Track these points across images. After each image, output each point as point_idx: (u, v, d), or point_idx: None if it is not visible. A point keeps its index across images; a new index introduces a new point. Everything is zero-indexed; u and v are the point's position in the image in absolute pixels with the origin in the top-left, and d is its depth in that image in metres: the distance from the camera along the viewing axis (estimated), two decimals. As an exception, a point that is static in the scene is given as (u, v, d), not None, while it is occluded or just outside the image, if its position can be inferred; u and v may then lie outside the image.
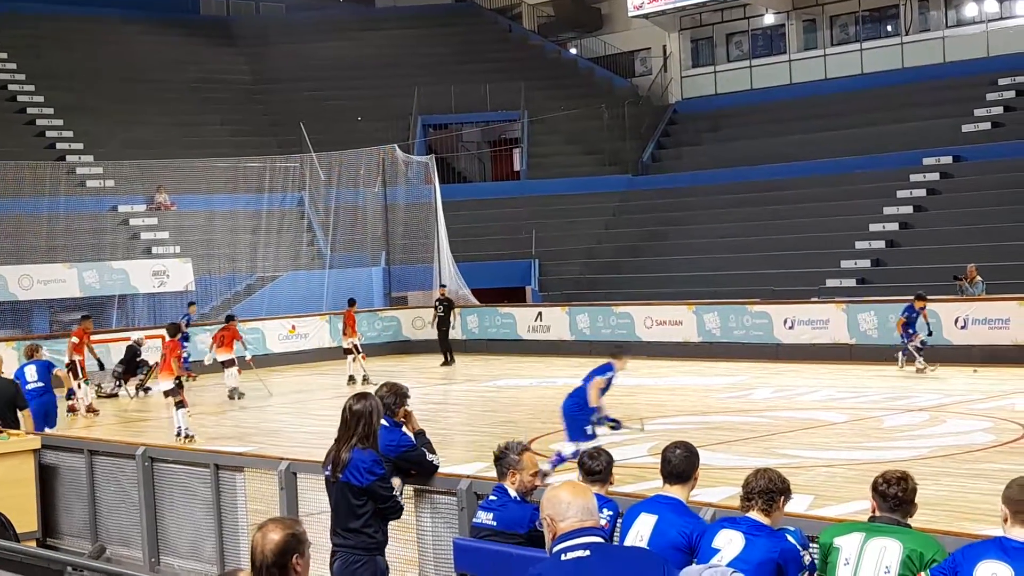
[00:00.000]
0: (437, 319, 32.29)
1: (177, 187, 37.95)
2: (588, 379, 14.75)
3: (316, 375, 30.82)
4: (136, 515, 11.91)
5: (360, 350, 28.92)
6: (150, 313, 34.08)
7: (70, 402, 24.46)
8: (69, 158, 38.86)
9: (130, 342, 28.34)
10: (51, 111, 41.32)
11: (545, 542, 5.00)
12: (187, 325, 28.99)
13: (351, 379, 28.13)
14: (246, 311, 35.07)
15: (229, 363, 26.80)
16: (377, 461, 7.75)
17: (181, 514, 11.57)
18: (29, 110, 41.36)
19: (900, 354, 25.18)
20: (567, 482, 5.39)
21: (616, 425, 14.91)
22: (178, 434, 20.52)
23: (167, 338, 22.01)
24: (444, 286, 33.33)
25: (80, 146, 39.83)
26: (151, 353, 29.11)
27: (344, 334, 29.38)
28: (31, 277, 32.41)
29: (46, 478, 13.05)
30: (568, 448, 14.29)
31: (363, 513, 7.72)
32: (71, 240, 34.81)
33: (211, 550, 11.14)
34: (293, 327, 32.37)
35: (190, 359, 28.54)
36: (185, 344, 27.16)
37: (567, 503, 4.90)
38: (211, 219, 37.97)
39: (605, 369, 14.72)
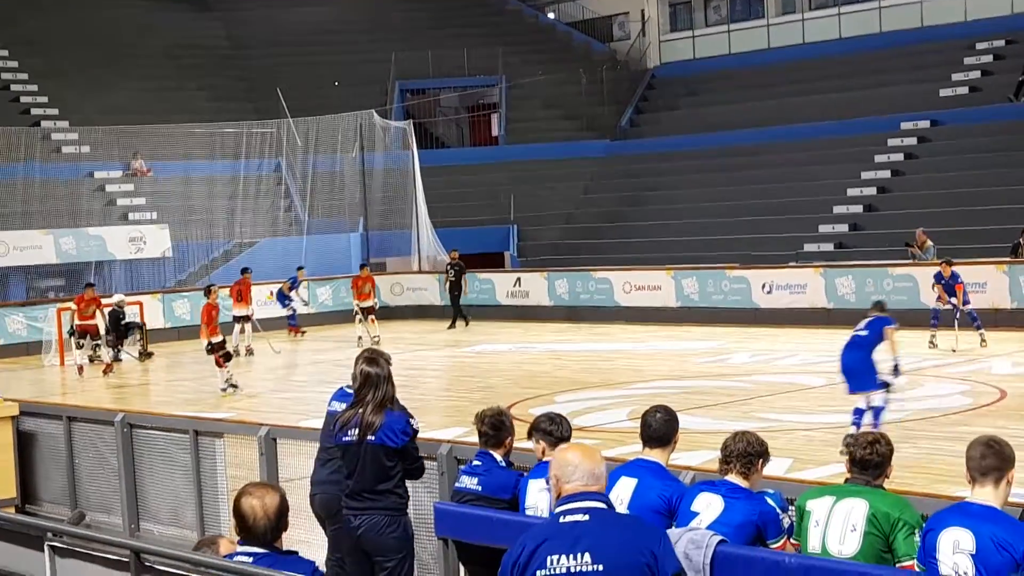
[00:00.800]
0: (449, 283, 32.25)
1: (153, 153, 37.76)
2: (873, 332, 14.50)
3: (294, 340, 30.76)
4: (115, 481, 11.92)
5: (358, 313, 29.35)
6: (127, 279, 34.00)
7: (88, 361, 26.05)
8: (44, 124, 38.63)
9: (111, 307, 28.33)
10: (25, 76, 41.02)
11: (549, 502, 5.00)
12: (292, 287, 30.86)
13: (373, 338, 28.52)
14: (224, 277, 34.90)
15: (244, 319, 27.98)
16: (408, 422, 7.76)
17: (161, 480, 11.57)
18: (3, 75, 41.03)
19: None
20: (577, 444, 5.40)
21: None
22: (224, 390, 21.27)
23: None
24: (455, 250, 33.28)
25: (55, 111, 39.57)
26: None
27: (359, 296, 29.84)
28: (7, 244, 32.24)
29: (24, 445, 13.03)
30: (861, 401, 14.22)
31: (395, 474, 7.72)
32: (47, 206, 34.63)
33: (191, 516, 11.16)
34: (271, 293, 32.31)
35: (296, 315, 31.25)
36: (286, 303, 30.40)
37: (574, 466, 4.92)
38: (188, 185, 37.80)
39: (889, 320, 14.63)
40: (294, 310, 31.28)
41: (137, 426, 11.82)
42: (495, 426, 7.65)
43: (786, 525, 6.33)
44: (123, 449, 11.73)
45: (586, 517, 4.79)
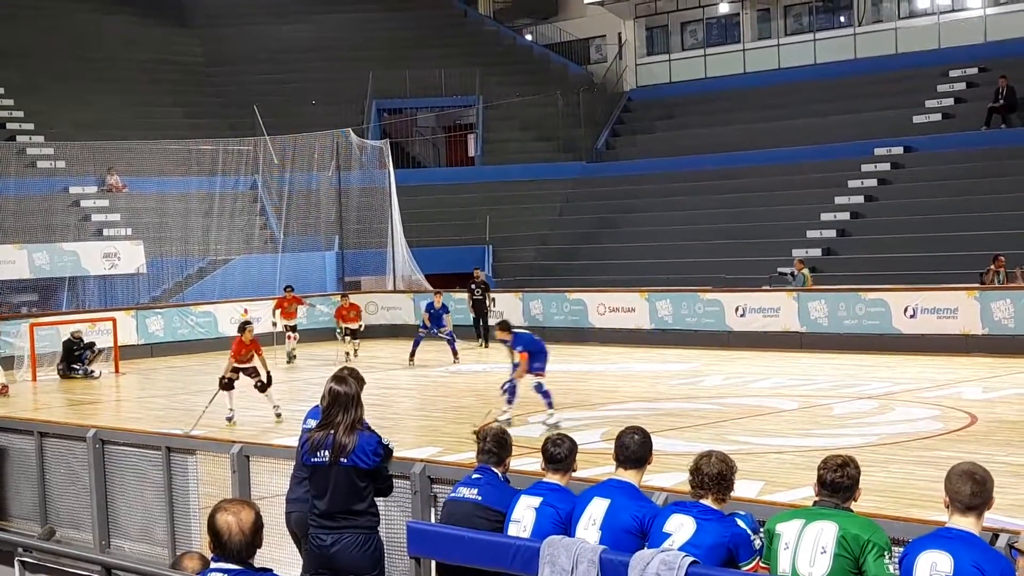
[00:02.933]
0: (473, 302, 31.93)
1: (129, 169, 37.63)
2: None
3: (268, 359, 30.61)
4: (86, 497, 11.85)
5: (340, 335, 30.24)
6: (101, 295, 33.85)
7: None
8: (19, 138, 38.47)
9: (67, 336, 28.27)
10: (0, 91, 40.87)
11: None
12: (430, 313, 29.78)
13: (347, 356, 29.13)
14: (198, 294, 34.92)
15: (292, 328, 30.18)
16: (379, 442, 7.79)
17: (132, 497, 11.52)
18: (-22, 89, 40.93)
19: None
20: None
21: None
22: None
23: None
24: (478, 268, 33.14)
25: (31, 126, 39.44)
26: (100, 336, 29.12)
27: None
28: (-21, 258, 32.08)
29: (-5, 460, 12.96)
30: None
31: (367, 494, 7.76)
32: (21, 221, 34.47)
33: (162, 533, 11.11)
34: (246, 310, 32.26)
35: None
36: (427, 326, 29.55)
37: None
38: (163, 201, 37.67)
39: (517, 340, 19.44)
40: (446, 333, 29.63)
41: (109, 442, 11.77)
42: (499, 444, 7.63)
43: (757, 547, 6.34)
44: (95, 465, 11.67)
45: None
